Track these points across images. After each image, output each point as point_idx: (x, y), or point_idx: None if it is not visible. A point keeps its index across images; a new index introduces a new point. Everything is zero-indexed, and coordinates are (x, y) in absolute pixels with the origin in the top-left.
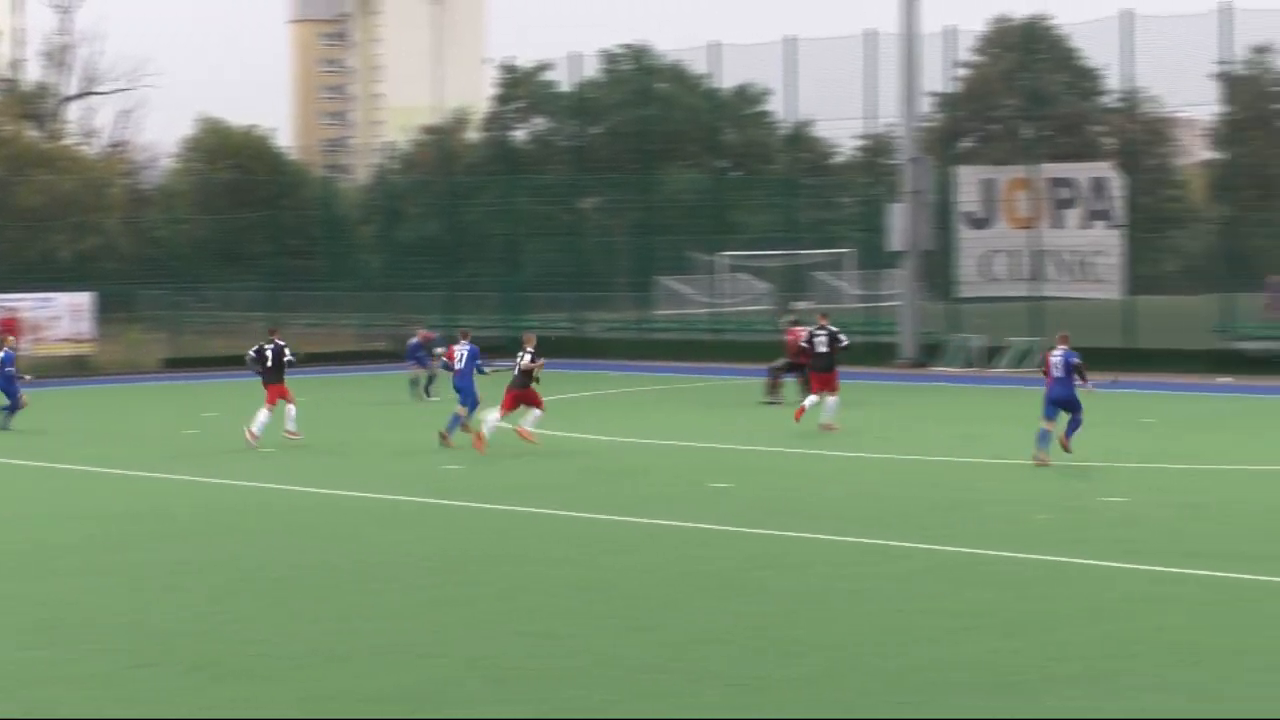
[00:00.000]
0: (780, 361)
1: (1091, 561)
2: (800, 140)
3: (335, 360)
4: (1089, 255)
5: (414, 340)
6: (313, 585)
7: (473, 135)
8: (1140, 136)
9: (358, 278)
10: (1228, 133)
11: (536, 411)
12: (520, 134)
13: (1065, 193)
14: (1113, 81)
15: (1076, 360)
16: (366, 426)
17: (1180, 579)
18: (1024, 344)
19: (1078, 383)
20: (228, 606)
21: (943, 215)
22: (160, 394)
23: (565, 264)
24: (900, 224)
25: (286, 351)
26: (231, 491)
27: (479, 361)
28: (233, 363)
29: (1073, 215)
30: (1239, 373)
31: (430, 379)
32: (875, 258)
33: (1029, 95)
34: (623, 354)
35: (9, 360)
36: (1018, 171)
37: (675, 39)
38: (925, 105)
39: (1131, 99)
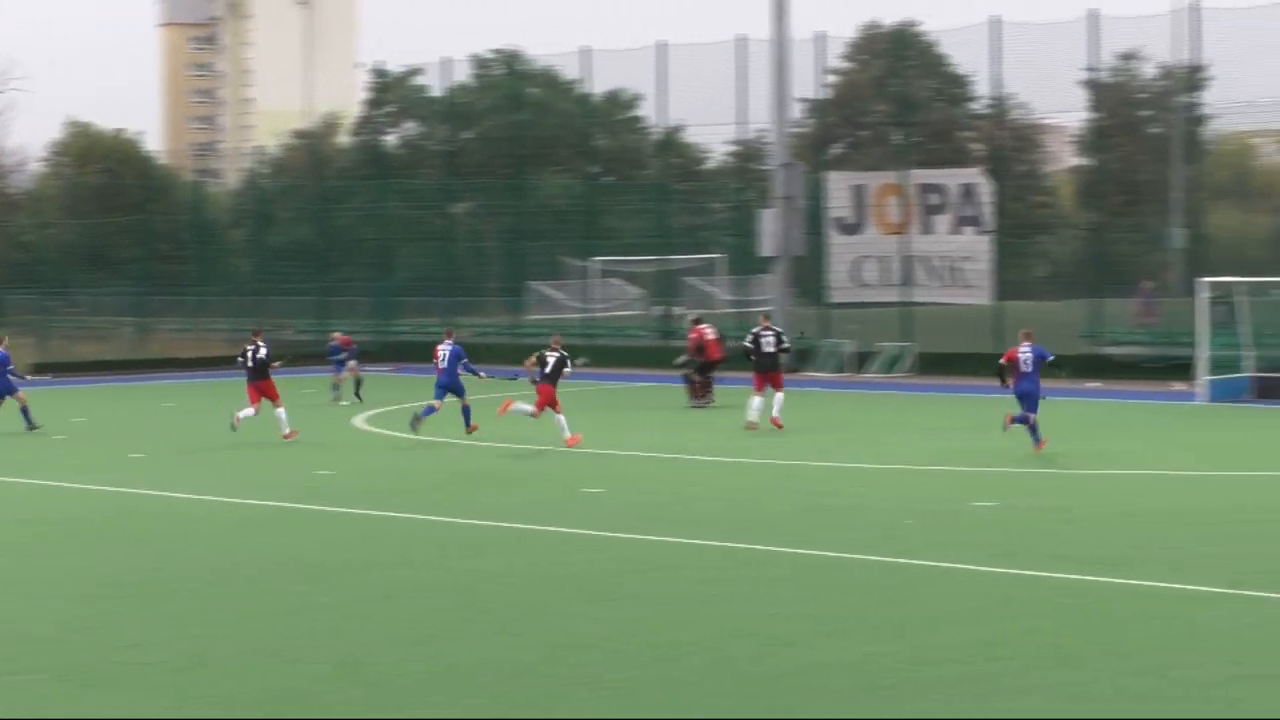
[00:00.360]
0: (683, 359)
1: (961, 565)
2: (672, 146)
3: (206, 365)
4: (958, 261)
5: (333, 344)
6: (180, 590)
7: (343, 140)
8: (1009, 143)
9: (228, 282)
10: (1095, 139)
11: (560, 417)
12: (391, 139)
13: (935, 199)
14: (982, 88)
15: (1048, 356)
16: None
17: (1049, 583)
18: (895, 349)
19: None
20: (96, 612)
21: (814, 221)
22: (28, 399)
23: (437, 269)
24: (771, 229)
25: (262, 350)
26: (100, 497)
27: (464, 360)
28: (102, 368)
29: (942, 221)
30: (1107, 378)
31: (358, 382)
32: (746, 263)
33: (899, 101)
34: (495, 359)
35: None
36: (888, 177)
37: (547, 44)
38: (796, 111)
39: (1000, 105)
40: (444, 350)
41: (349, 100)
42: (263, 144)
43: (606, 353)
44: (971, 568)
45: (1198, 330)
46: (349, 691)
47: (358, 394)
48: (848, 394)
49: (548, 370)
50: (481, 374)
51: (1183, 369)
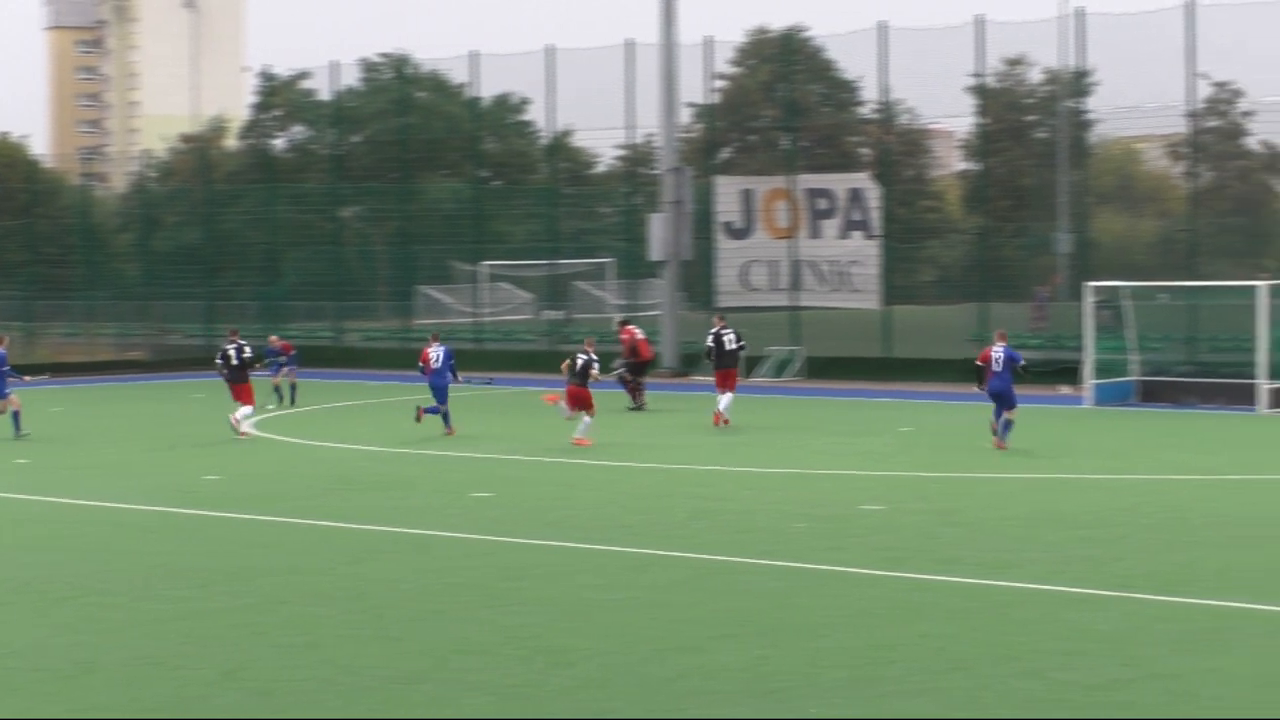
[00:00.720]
0: (618, 363)
1: (851, 569)
2: (560, 150)
3: (94, 370)
4: (847, 265)
5: (270, 347)
6: (68, 597)
7: (231, 144)
8: (897, 148)
9: (115, 287)
10: (982, 144)
11: (588, 419)
12: (279, 143)
13: (823, 203)
14: (869, 93)
15: (1018, 359)
16: (136, 435)
17: (939, 586)
18: (784, 353)
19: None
20: None
21: (702, 225)
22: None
23: (325, 273)
24: (660, 234)
25: (247, 349)
26: None
27: (452, 363)
28: None
29: (830, 226)
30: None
31: (292, 386)
32: (636, 267)
33: (786, 106)
34: (384, 363)
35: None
36: (776, 182)
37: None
38: (685, 115)
39: (888, 110)
40: (435, 353)
41: (236, 104)
42: (150, 148)
43: (496, 357)
44: (862, 571)
45: (1084, 334)
46: (237, 698)
47: (292, 400)
48: (737, 398)
49: (577, 371)
50: (459, 378)
51: (1070, 373)
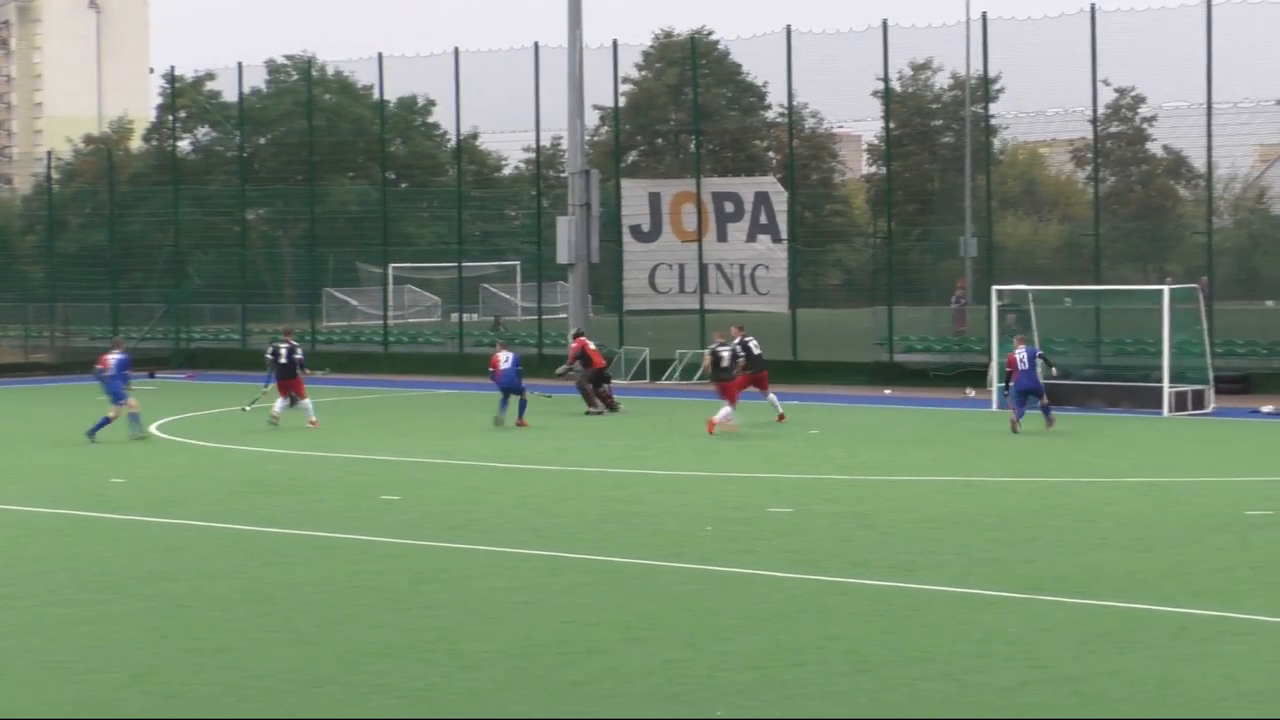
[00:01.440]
0: (563, 368)
1: (760, 572)
2: (467, 152)
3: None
4: (754, 269)
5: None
6: None
7: (136, 145)
8: (803, 152)
9: (19, 289)
10: (888, 149)
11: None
12: (185, 144)
13: (730, 207)
14: (776, 96)
15: (1041, 353)
16: (40, 436)
17: (847, 588)
18: (694, 356)
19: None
20: None
21: (610, 228)
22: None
23: (232, 275)
24: (568, 236)
25: (298, 351)
26: None
27: (520, 368)
28: None
29: (737, 229)
30: (900, 385)
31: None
32: (543, 270)
33: (693, 109)
34: None
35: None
36: (683, 185)
37: (342, 50)
38: (592, 118)
39: (794, 114)
40: (504, 357)
41: (141, 106)
42: (54, 149)
43: (403, 360)
44: (771, 574)
45: (990, 338)
46: (145, 702)
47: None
48: (646, 400)
49: (724, 365)
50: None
51: (977, 376)
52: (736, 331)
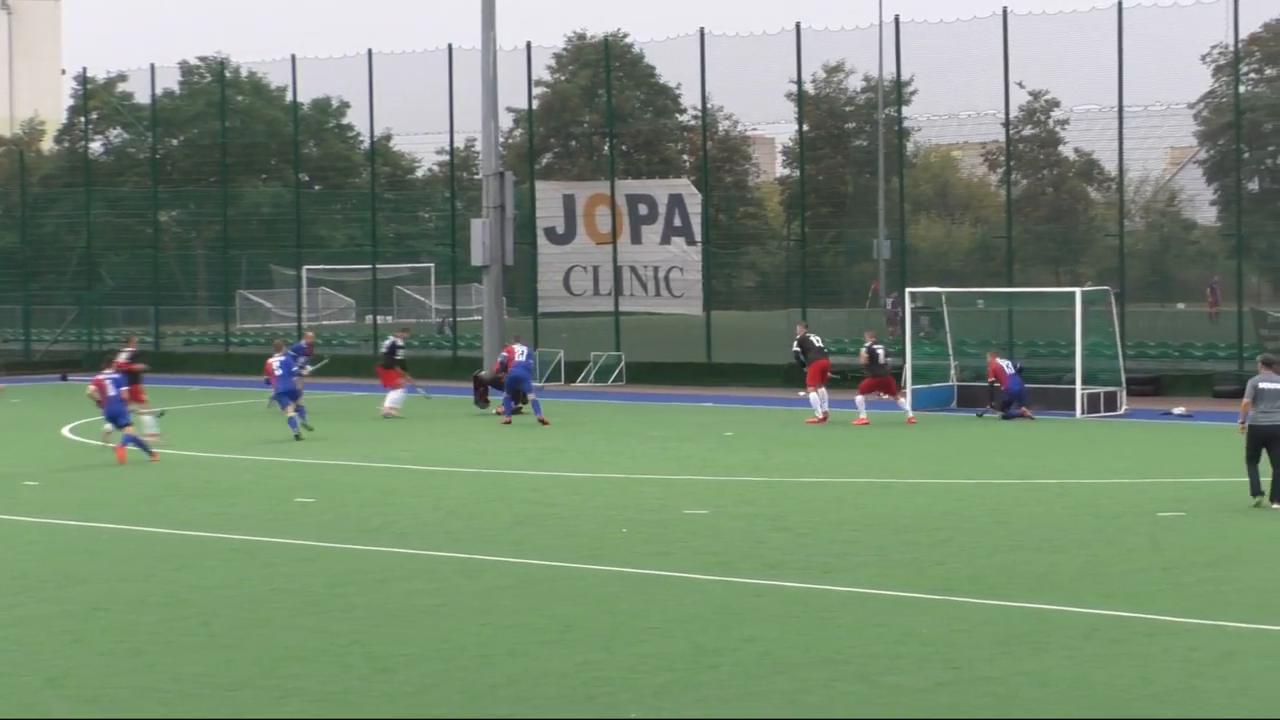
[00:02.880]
0: (487, 373)
1: (676, 574)
2: (381, 154)
3: None
4: (668, 271)
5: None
6: None
7: (48, 147)
8: (717, 154)
9: None
10: (801, 151)
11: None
12: (97, 146)
13: (644, 209)
14: (690, 99)
15: (1020, 362)
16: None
17: (763, 590)
18: (610, 358)
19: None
20: None
21: (525, 230)
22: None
23: (144, 277)
24: (482, 239)
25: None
26: None
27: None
28: None
29: (652, 231)
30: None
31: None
32: (458, 272)
33: (607, 112)
34: (204, 368)
35: (301, 350)
36: (597, 187)
37: (255, 52)
38: (506, 120)
39: (708, 117)
40: (520, 349)
41: (53, 107)
42: None
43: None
44: (687, 576)
45: (904, 340)
46: (60, 705)
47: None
48: (560, 402)
49: (881, 362)
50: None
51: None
52: (801, 329)
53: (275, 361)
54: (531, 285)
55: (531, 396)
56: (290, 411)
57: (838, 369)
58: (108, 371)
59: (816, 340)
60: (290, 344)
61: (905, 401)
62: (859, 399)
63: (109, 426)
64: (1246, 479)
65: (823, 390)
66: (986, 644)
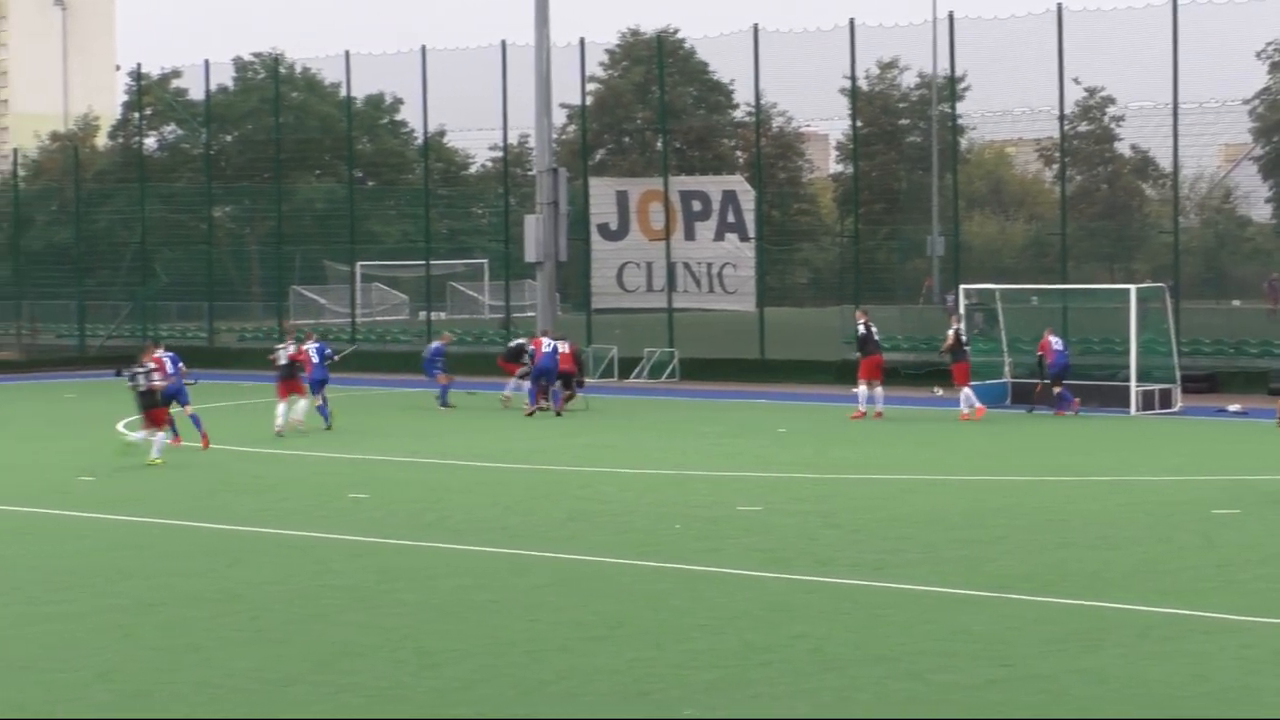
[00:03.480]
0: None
1: (727, 570)
2: (435, 150)
3: None
4: (721, 268)
5: (435, 345)
6: None
7: (102, 143)
8: (770, 151)
9: None
10: (855, 148)
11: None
12: (151, 142)
13: (697, 205)
14: (743, 95)
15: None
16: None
17: (814, 587)
18: (663, 354)
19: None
20: None
21: (578, 227)
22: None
23: (198, 273)
24: (535, 235)
25: (327, 350)
26: None
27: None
28: None
29: (705, 228)
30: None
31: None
32: (512, 268)
33: (659, 108)
34: (257, 364)
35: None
36: (650, 184)
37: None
38: (559, 117)
39: (761, 113)
40: (546, 343)
41: (107, 103)
42: (20, 146)
43: (370, 358)
44: (738, 572)
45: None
46: (111, 700)
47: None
48: (613, 399)
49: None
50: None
51: (944, 375)
52: (862, 316)
53: (311, 349)
54: (585, 281)
55: (554, 388)
56: (318, 401)
57: (896, 365)
58: (162, 351)
59: (875, 333)
60: (296, 334)
61: (871, 393)
62: (877, 390)
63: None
64: None
65: (878, 389)
66: (1039, 641)
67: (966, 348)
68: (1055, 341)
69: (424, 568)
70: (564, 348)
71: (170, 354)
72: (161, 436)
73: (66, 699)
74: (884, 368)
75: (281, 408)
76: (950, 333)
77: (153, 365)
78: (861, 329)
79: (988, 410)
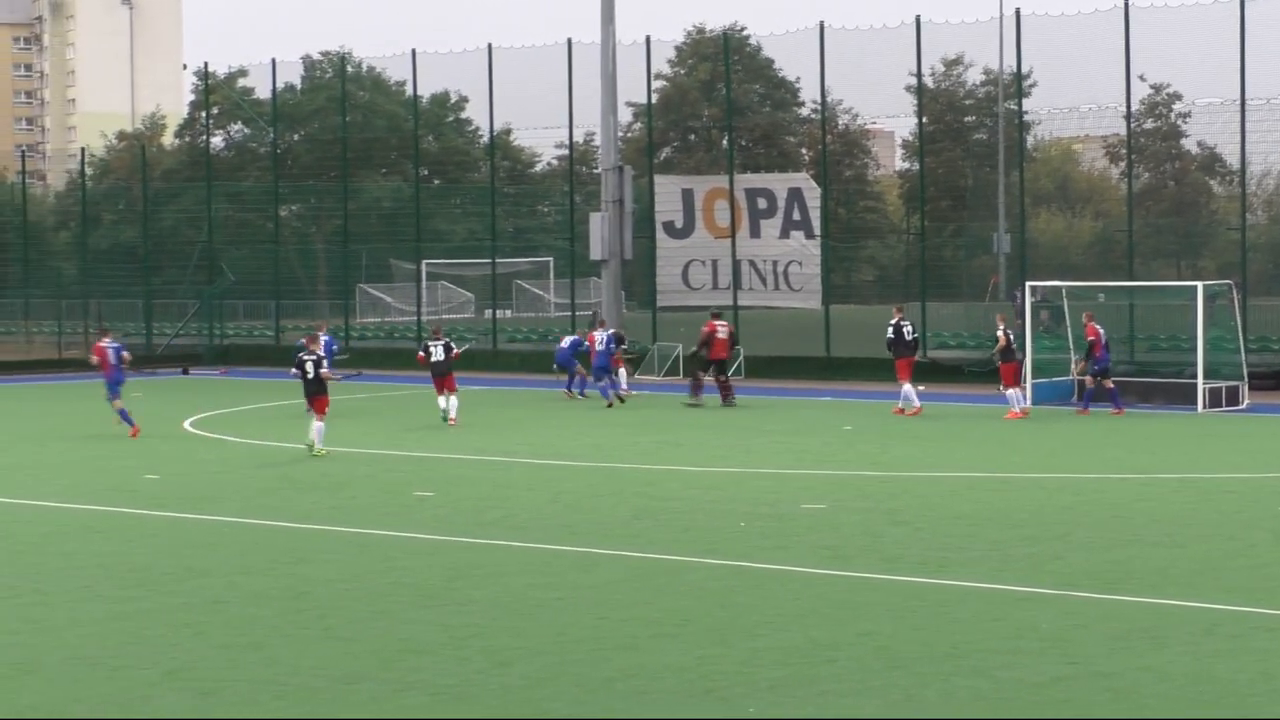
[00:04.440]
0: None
1: (793, 568)
2: (500, 148)
3: (32, 369)
4: (787, 265)
5: (573, 339)
6: (6, 598)
7: (169, 141)
8: (836, 148)
9: (52, 285)
10: (920, 145)
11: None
12: (217, 141)
13: (763, 203)
14: (809, 93)
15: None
16: (77, 433)
17: (880, 585)
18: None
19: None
20: None
21: (643, 224)
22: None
23: (265, 272)
24: (601, 233)
25: (453, 347)
26: None
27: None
28: None
29: (770, 225)
30: (934, 381)
31: (575, 378)
32: (577, 266)
33: (726, 106)
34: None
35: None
36: (716, 181)
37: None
38: (625, 114)
39: (827, 111)
40: (600, 336)
41: (174, 102)
42: (87, 145)
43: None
44: (804, 570)
45: (1024, 334)
46: (178, 698)
47: (581, 391)
48: (677, 396)
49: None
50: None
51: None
52: (897, 312)
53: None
54: (650, 279)
55: (587, 377)
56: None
57: (955, 362)
58: (108, 340)
59: (908, 332)
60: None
61: (911, 390)
62: (906, 388)
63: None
64: None
65: (906, 387)
66: (1105, 639)
67: (1014, 348)
68: (1101, 330)
69: (489, 565)
70: (722, 332)
71: (115, 344)
72: (320, 425)
73: (136, 696)
74: (913, 366)
75: (441, 400)
76: (1000, 334)
77: (319, 354)
78: (890, 331)
79: (1034, 412)
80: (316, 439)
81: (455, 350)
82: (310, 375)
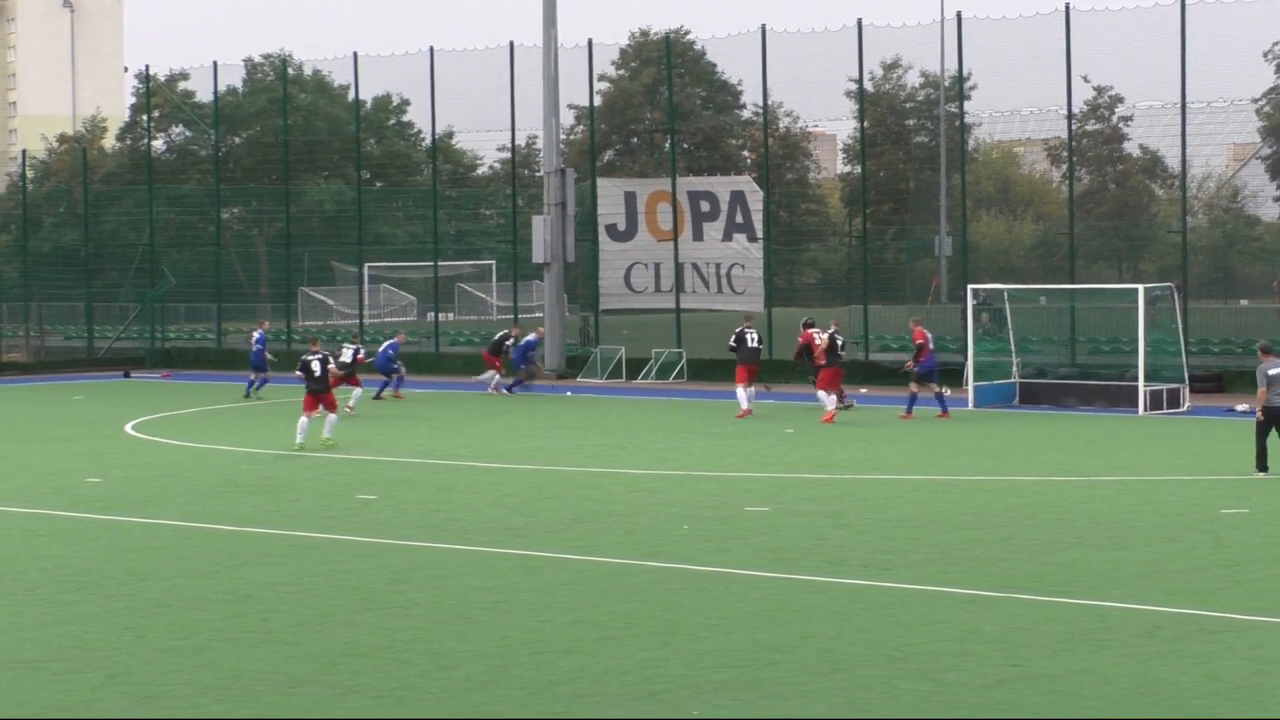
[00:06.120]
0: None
1: (736, 571)
2: (443, 152)
3: None
4: (729, 268)
5: (529, 338)
6: None
7: (110, 144)
8: (778, 151)
9: None
10: (862, 148)
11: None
12: (159, 143)
13: (705, 206)
14: (751, 96)
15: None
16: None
17: (823, 587)
18: (671, 355)
19: None
20: None
21: (586, 227)
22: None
23: (207, 274)
24: (543, 236)
25: (331, 362)
26: None
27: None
28: None
29: (713, 228)
30: (875, 384)
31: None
32: (519, 269)
33: (668, 109)
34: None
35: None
36: (658, 184)
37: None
38: (567, 118)
39: (769, 114)
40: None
41: (115, 105)
42: (28, 148)
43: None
44: (747, 573)
45: (965, 336)
46: (120, 702)
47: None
48: (621, 399)
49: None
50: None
51: (952, 375)
52: (744, 321)
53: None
54: (593, 282)
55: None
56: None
57: (895, 366)
58: None
59: (841, 346)
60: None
61: (828, 399)
62: (822, 393)
63: None
64: None
65: (824, 395)
66: (1048, 641)
67: (842, 353)
68: (928, 335)
69: (432, 569)
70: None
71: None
72: (333, 418)
73: (78, 700)
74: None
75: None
76: (825, 336)
77: (324, 353)
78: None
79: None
80: (328, 430)
81: (334, 369)
82: (317, 374)
